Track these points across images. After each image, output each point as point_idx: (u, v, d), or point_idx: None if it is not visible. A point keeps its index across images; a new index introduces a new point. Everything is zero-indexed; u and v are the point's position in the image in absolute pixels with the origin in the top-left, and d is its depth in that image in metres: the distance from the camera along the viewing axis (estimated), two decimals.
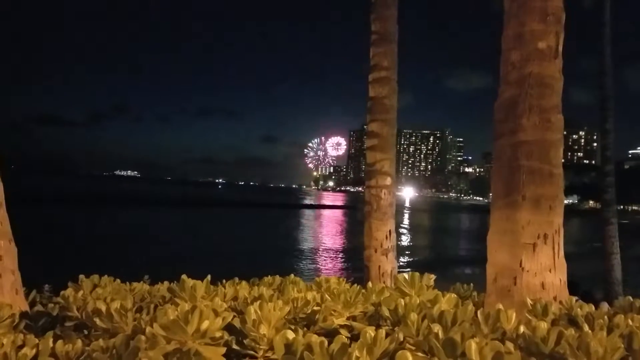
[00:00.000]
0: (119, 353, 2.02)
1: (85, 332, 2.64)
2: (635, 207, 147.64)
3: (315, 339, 1.88)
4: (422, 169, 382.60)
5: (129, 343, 2.02)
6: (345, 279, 3.79)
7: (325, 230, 61.71)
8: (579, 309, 3.02)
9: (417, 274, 3.21)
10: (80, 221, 49.21)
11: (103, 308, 2.53)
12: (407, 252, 39.44)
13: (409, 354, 1.83)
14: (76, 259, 20.43)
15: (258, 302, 2.32)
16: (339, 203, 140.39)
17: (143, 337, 2.01)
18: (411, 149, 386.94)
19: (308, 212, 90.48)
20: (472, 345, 1.86)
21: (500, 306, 2.56)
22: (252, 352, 2.17)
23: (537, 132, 3.76)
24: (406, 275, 3.24)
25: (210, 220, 63.09)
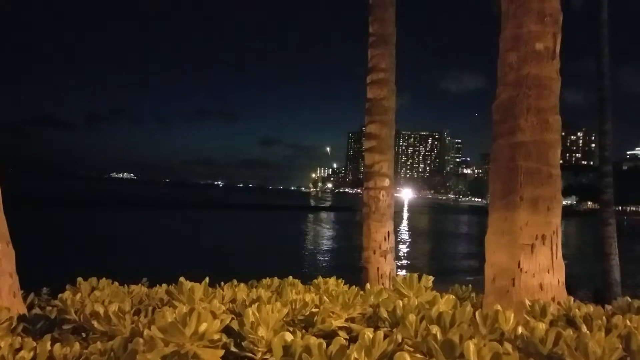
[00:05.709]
0: (117, 356, 2.02)
1: (83, 335, 2.63)
2: (633, 208, 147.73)
3: (313, 340, 1.88)
4: (420, 170, 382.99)
5: (126, 346, 2.02)
6: (343, 281, 3.79)
7: (323, 231, 61.69)
8: (577, 310, 3.02)
9: (415, 275, 3.21)
10: (78, 223, 49.12)
11: (101, 311, 2.52)
12: (405, 253, 39.44)
13: (407, 356, 1.83)
14: (74, 261, 20.41)
15: (256, 304, 2.32)
16: (338, 205, 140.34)
17: (141, 340, 2.01)
18: (410, 150, 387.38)
19: (306, 214, 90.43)
20: (471, 347, 1.86)
21: (499, 307, 2.56)
22: (250, 355, 2.16)
23: (535, 133, 3.77)
24: (404, 277, 3.23)
25: (208, 222, 63.02)
